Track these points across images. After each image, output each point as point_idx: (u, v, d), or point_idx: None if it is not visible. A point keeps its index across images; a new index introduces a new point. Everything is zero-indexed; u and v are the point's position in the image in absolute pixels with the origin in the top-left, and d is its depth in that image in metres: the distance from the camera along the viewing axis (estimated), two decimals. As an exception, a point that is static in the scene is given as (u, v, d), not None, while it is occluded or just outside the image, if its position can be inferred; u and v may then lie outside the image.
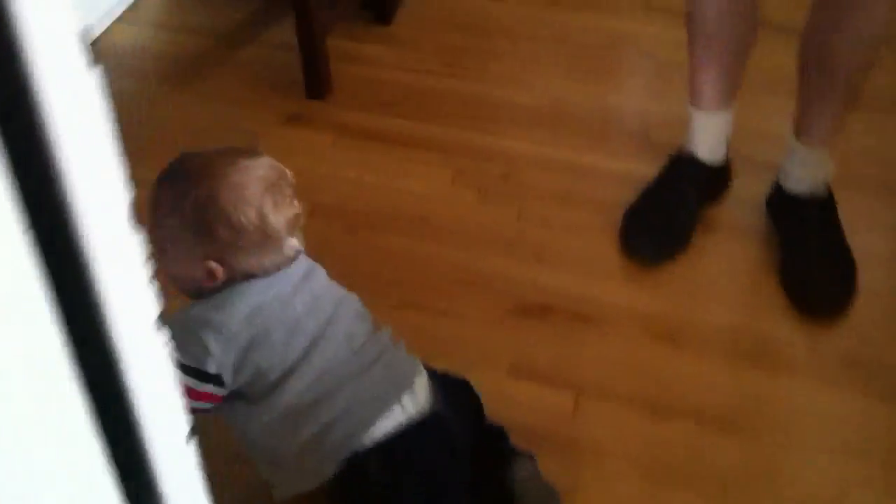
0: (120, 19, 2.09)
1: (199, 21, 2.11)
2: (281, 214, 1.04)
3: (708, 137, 1.57)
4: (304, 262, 1.11)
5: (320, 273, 1.13)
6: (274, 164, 1.08)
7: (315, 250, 1.53)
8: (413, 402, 1.04)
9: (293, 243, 1.07)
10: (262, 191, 1.03)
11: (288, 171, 1.09)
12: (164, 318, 1.00)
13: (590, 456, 1.26)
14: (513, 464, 1.10)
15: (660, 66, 1.97)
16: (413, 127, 1.82)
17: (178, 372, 0.97)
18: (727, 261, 1.57)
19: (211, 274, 1.02)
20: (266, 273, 1.05)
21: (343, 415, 1.01)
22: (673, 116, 1.77)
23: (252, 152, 1.08)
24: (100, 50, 2.00)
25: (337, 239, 1.59)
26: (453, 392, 1.10)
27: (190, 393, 0.99)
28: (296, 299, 1.07)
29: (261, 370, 1.02)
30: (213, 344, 0.99)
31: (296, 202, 1.08)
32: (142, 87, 1.94)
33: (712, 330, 1.43)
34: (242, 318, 1.02)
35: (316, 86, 1.85)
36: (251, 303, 1.03)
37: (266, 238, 1.03)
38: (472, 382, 1.15)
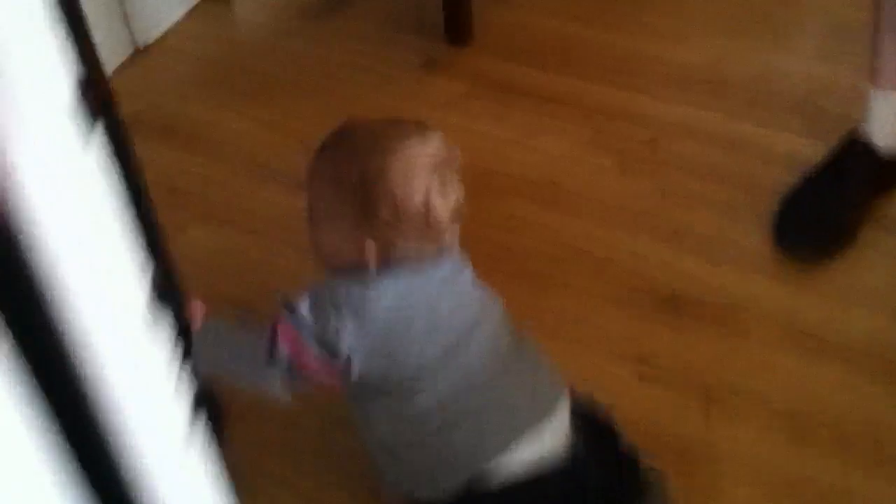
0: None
1: None
2: (446, 201, 0.96)
3: (888, 122, 1.38)
4: (455, 257, 1.03)
5: (468, 272, 1.05)
6: (444, 144, 0.98)
7: None
8: (552, 434, 0.96)
9: (452, 233, 0.99)
10: (430, 173, 0.94)
11: (457, 151, 1.00)
12: (308, 287, 0.94)
13: (719, 473, 1.15)
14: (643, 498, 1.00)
15: (835, 27, 1.75)
16: (554, 80, 1.70)
17: (311, 341, 0.93)
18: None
19: (364, 252, 0.95)
20: (420, 261, 0.97)
21: (474, 432, 0.94)
22: (847, 86, 1.58)
23: (422, 128, 0.99)
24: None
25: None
26: (594, 428, 1.01)
27: (318, 365, 0.95)
28: (442, 296, 0.99)
29: (396, 361, 0.96)
30: (351, 325, 0.94)
31: (460, 187, 0.99)
32: (280, 16, 1.89)
33: (868, 343, 1.27)
34: (387, 304, 0.95)
35: (455, 31, 1.75)
36: (398, 290, 0.96)
37: (427, 225, 0.95)
38: (593, 383, 1.06)
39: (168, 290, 1.02)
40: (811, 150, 1.49)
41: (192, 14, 1.89)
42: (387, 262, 0.96)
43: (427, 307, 0.98)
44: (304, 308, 0.95)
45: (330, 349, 0.94)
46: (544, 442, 0.96)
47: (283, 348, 0.94)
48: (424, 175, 0.94)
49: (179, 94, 1.74)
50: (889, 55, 1.32)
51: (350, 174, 0.94)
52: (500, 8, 1.85)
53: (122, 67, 1.78)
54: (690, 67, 1.70)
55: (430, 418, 0.95)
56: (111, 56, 1.76)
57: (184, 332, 0.97)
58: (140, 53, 1.81)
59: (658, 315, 1.33)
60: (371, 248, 0.95)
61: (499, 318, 1.04)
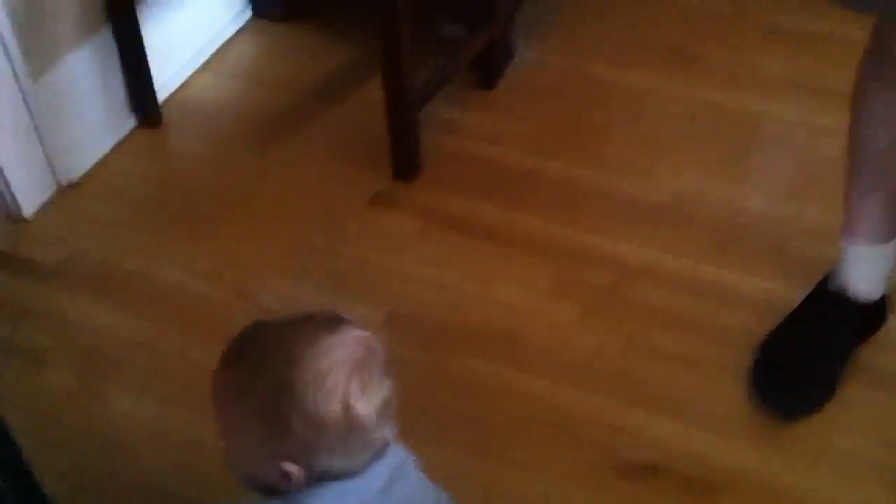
0: (203, 68, 1.93)
1: (286, 73, 1.92)
2: (369, 403, 0.84)
3: (865, 273, 1.29)
4: (394, 454, 0.91)
5: (411, 467, 0.92)
6: (360, 338, 0.87)
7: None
8: None
9: (383, 434, 0.87)
10: (347, 375, 0.83)
11: (377, 345, 0.89)
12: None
13: None
14: None
15: (807, 160, 1.67)
16: (511, 218, 1.59)
17: None
18: (880, 418, 1.29)
19: (286, 476, 0.84)
20: (351, 473, 0.86)
21: None
22: (818, 227, 1.51)
23: (334, 324, 0.87)
24: (175, 106, 1.85)
25: (408, 356, 1.38)
26: None
27: None
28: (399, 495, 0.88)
29: None
30: None
31: (386, 382, 0.87)
32: (218, 148, 1.77)
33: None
34: None
35: (403, 164, 1.64)
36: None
37: (352, 432, 0.84)
38: None
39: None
40: (785, 296, 1.40)
41: (121, 146, 1.77)
42: (312, 479, 0.84)
43: None
44: None
45: None
46: None
47: None
48: (341, 379, 0.83)
49: (108, 238, 1.60)
50: (864, 212, 1.23)
51: (255, 389, 0.83)
52: (452, 135, 1.75)
53: (44, 208, 1.64)
54: (654, 204, 1.60)
55: None
56: (32, 196, 1.63)
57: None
58: (64, 192, 1.68)
59: (625, 486, 1.21)
60: (294, 470, 0.83)
61: None
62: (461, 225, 1.59)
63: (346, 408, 0.82)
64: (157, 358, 1.40)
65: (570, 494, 1.21)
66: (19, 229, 1.62)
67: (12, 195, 1.60)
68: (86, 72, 1.68)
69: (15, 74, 1.54)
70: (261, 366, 0.84)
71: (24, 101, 1.56)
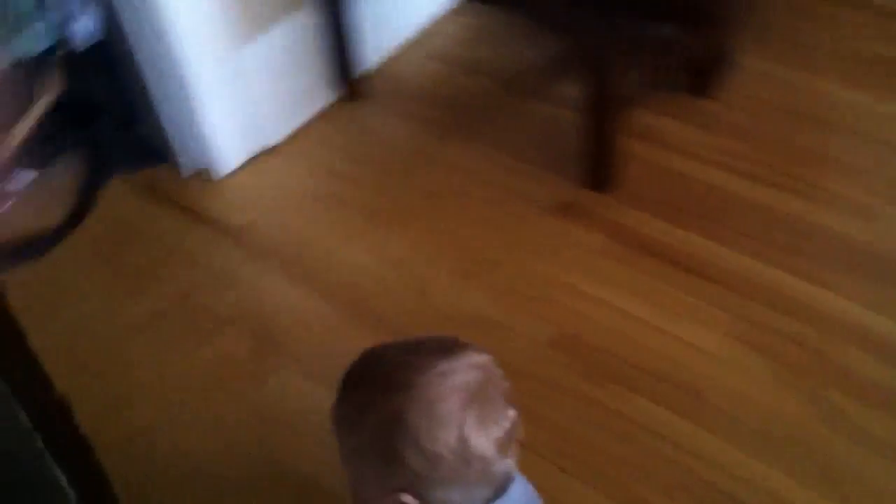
0: (409, 45, 1.90)
1: (489, 59, 1.86)
2: (487, 434, 0.79)
3: None
4: (520, 490, 0.86)
5: None
6: (479, 364, 0.81)
7: (540, 394, 1.27)
8: None
9: (504, 467, 0.81)
10: (462, 405, 0.78)
11: (498, 370, 0.82)
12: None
13: None
14: None
15: None
16: (707, 247, 1.45)
17: None
18: None
19: None
20: None
21: None
22: None
23: (449, 347, 0.82)
24: (375, 82, 1.82)
25: (567, 383, 1.29)
26: None
27: None
28: None
29: None
30: None
31: (510, 411, 0.81)
32: (412, 131, 1.73)
33: None
34: None
35: (597, 174, 1.53)
36: None
37: (468, 465, 0.78)
38: None
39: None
40: None
41: (319, 118, 1.77)
42: None
43: None
44: None
45: None
46: None
47: None
48: (455, 409, 0.77)
49: (294, 208, 1.60)
50: None
51: (367, 419, 0.79)
52: (654, 146, 1.62)
53: (238, 171, 1.67)
54: (878, 255, 1.41)
55: None
56: (228, 157, 1.66)
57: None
58: (259, 158, 1.70)
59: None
60: (407, 501, 0.79)
61: None
62: (651, 247, 1.46)
63: (462, 439, 0.76)
64: (327, 340, 1.38)
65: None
66: (212, 188, 1.66)
67: (209, 155, 1.64)
68: (292, 42, 1.68)
69: (224, 40, 1.56)
70: (374, 396, 0.80)
71: (231, 66, 1.59)
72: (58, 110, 1.61)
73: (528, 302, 1.41)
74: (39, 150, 1.62)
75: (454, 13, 1.98)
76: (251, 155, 1.69)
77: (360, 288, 1.46)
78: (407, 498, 0.78)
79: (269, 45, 1.64)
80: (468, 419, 0.77)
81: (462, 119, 1.74)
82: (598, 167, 1.53)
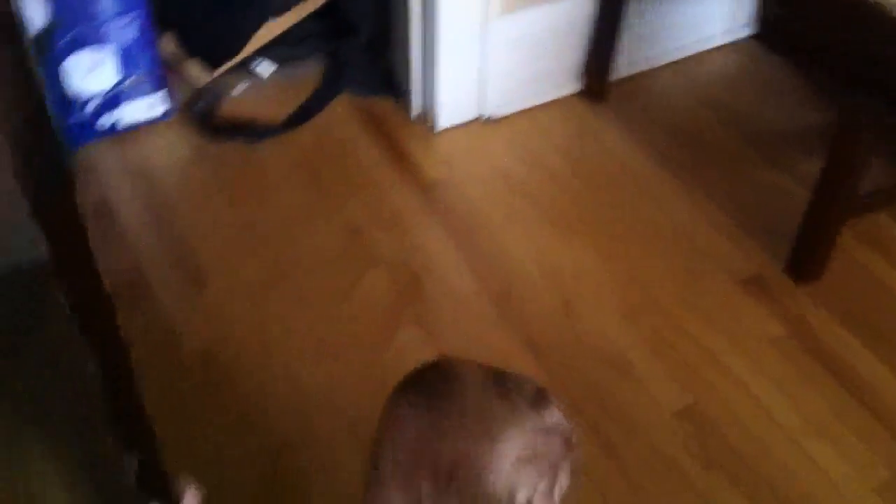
0: (672, 66, 1.83)
1: (746, 102, 1.75)
2: (542, 496, 0.73)
3: None
4: None
5: None
6: (562, 428, 0.75)
7: (642, 456, 1.21)
8: None
9: None
10: (538, 472, 0.73)
11: (573, 438, 0.76)
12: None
13: None
14: None
15: None
16: (891, 386, 1.30)
17: None
18: None
19: None
20: None
21: None
22: None
23: (541, 404, 0.75)
24: (620, 90, 1.77)
25: (683, 461, 1.20)
26: None
27: None
28: None
29: None
30: None
31: (573, 482, 0.75)
32: (640, 150, 1.66)
33: None
34: None
35: (802, 265, 1.41)
36: None
37: None
38: None
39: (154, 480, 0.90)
40: None
41: (553, 106, 1.74)
42: None
43: None
44: None
45: None
46: None
47: None
48: (532, 469, 0.72)
49: (489, 182, 1.60)
50: None
51: (434, 446, 0.73)
52: (873, 255, 1.47)
53: (454, 129, 1.69)
54: None
55: None
56: (449, 114, 1.67)
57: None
58: (478, 124, 1.70)
59: None
60: None
61: None
62: (828, 358, 1.33)
63: (510, 494, 0.71)
64: (463, 319, 1.38)
65: None
66: (425, 137, 1.68)
67: (436, 105, 1.66)
68: (556, 24, 1.66)
69: (495, 2, 1.57)
70: (447, 424, 0.73)
71: (489, 29, 1.60)
72: (316, 16, 1.69)
73: (673, 363, 1.33)
74: (288, 47, 1.71)
75: (730, 48, 1.88)
76: (473, 118, 1.70)
77: (513, 284, 1.43)
78: None
79: (532, 20, 1.63)
80: (541, 485, 0.72)
81: (690, 157, 1.65)
82: (805, 253, 1.40)
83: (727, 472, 1.20)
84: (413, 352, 1.31)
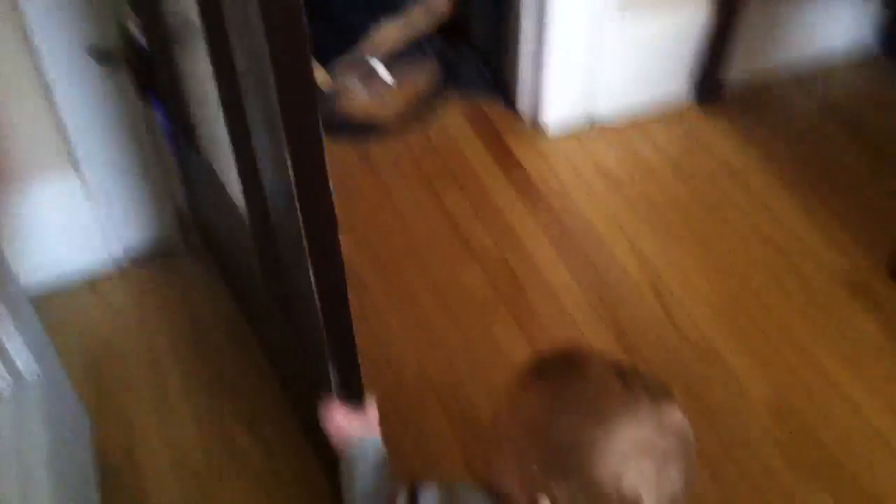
0: (792, 74, 1.80)
1: (881, 119, 1.72)
2: (657, 495, 0.74)
3: None
4: None
5: None
6: (680, 425, 0.75)
7: (730, 452, 1.21)
8: None
9: None
10: (648, 461, 0.74)
11: (690, 438, 0.76)
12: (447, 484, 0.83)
13: None
14: None
15: None
16: None
17: None
18: None
19: (533, 502, 0.78)
20: None
21: None
22: None
23: (659, 398, 0.76)
24: (737, 95, 1.75)
25: (764, 453, 1.20)
26: None
27: None
28: None
29: None
30: None
31: (683, 477, 0.74)
32: (748, 156, 1.65)
33: None
34: None
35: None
36: None
37: None
38: None
39: (352, 386, 0.98)
40: None
41: (665, 115, 1.75)
42: None
43: None
44: (425, 500, 0.83)
45: None
46: None
47: None
48: (643, 461, 0.73)
49: (592, 185, 1.63)
50: None
51: (550, 428, 0.75)
52: None
53: (564, 134, 1.73)
54: None
55: None
56: (557, 118, 1.71)
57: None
58: (585, 129, 1.73)
59: None
60: (543, 502, 0.76)
61: None
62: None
63: (633, 493, 0.72)
64: (556, 314, 1.42)
65: None
66: (530, 138, 1.73)
67: (543, 108, 1.71)
68: (670, 28, 1.68)
69: (609, 7, 1.61)
70: (571, 406, 0.76)
71: (602, 32, 1.63)
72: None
73: (769, 362, 1.32)
74: (402, 48, 1.79)
75: (871, 63, 1.84)
76: (582, 121, 1.73)
77: (609, 283, 1.45)
78: (543, 499, 0.75)
79: (645, 24, 1.66)
80: (647, 475, 0.73)
81: (806, 166, 1.63)
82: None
83: (815, 470, 1.18)
84: (507, 342, 1.36)
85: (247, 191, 1.00)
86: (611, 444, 0.72)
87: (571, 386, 0.77)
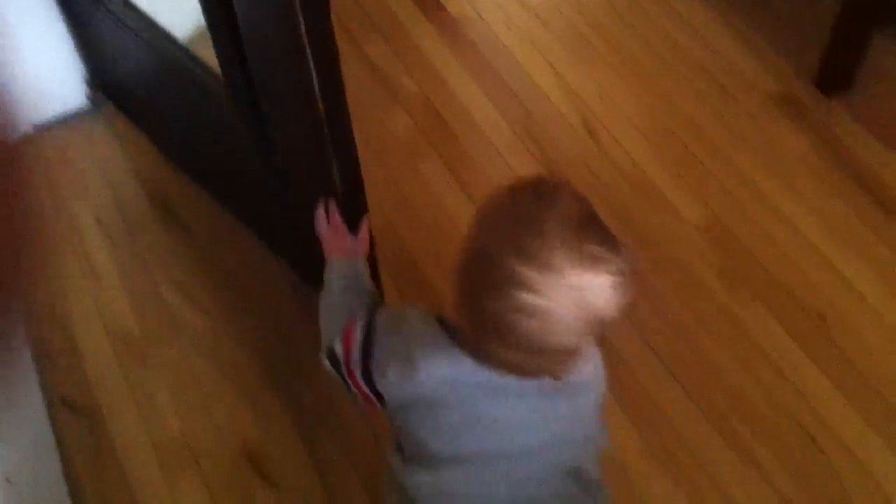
0: None
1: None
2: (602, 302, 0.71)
3: None
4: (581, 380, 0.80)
5: (585, 398, 0.82)
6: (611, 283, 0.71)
7: (666, 270, 1.22)
8: None
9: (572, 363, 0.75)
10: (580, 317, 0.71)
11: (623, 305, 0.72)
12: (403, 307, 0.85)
13: None
14: None
15: None
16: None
17: (359, 360, 0.84)
18: None
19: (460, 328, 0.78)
20: (505, 370, 0.76)
21: None
22: None
23: (608, 242, 0.71)
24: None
25: (698, 273, 1.22)
26: None
27: (359, 382, 0.84)
28: (516, 405, 0.80)
29: (415, 436, 0.83)
30: (393, 375, 0.81)
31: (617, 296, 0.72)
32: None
33: None
34: (436, 378, 0.79)
35: (830, 76, 1.37)
36: (456, 374, 0.78)
37: (540, 353, 0.72)
38: None
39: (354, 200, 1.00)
40: None
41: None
42: (475, 340, 0.75)
43: (474, 406, 0.79)
44: (380, 321, 0.84)
45: (367, 380, 0.83)
46: None
47: (340, 349, 0.85)
48: (572, 312, 0.70)
49: (521, 18, 1.58)
50: None
51: (495, 264, 0.71)
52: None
53: None
54: None
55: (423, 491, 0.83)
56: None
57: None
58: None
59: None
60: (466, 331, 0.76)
61: (577, 455, 0.83)
62: (858, 170, 1.31)
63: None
64: (483, 148, 1.39)
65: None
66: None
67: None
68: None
69: None
70: (535, 235, 0.68)
71: None
72: None
73: (698, 179, 1.33)
74: None
75: None
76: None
77: (533, 112, 1.43)
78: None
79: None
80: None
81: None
82: (835, 63, 1.36)
83: (749, 283, 1.21)
84: (438, 184, 1.35)
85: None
86: (544, 280, 0.68)
87: (538, 224, 0.71)
